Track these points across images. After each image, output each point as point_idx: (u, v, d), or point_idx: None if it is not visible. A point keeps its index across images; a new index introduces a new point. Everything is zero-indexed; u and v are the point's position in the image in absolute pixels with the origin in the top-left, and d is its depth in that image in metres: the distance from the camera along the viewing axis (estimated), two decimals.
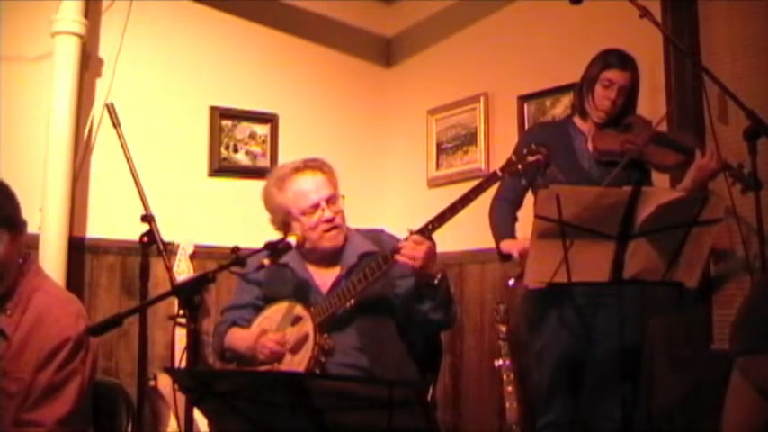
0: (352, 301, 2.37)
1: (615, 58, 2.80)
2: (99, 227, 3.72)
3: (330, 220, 2.48)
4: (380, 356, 2.38)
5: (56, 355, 1.92)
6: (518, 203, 2.94)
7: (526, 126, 3.72)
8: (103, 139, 3.69)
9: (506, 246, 2.81)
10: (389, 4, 4.72)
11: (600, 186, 2.62)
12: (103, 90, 3.74)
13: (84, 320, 2.01)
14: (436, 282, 2.34)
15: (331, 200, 2.50)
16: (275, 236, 2.48)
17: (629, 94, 2.82)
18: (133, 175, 2.36)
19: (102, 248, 3.71)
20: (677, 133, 2.99)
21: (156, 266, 2.44)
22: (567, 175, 2.67)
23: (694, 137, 2.90)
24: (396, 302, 2.48)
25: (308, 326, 2.38)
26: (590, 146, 2.83)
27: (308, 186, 2.50)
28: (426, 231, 2.29)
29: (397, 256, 2.28)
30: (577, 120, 2.93)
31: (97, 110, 3.73)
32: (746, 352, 1.42)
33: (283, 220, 2.55)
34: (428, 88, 4.41)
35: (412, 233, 2.29)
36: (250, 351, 2.43)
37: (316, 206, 2.48)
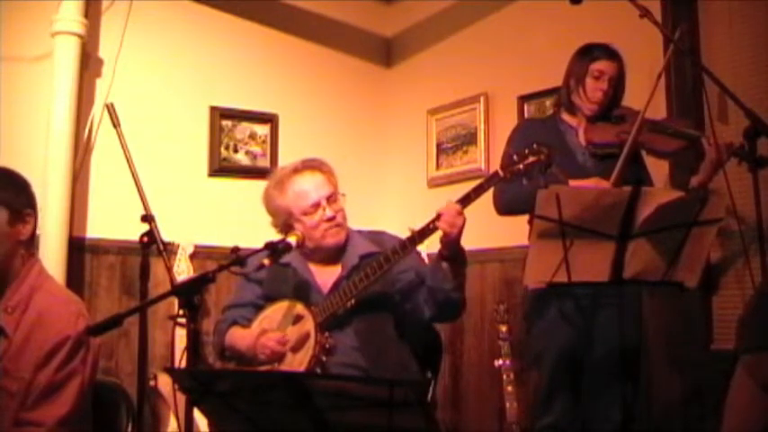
0: (353, 300, 2.37)
1: (602, 51, 2.81)
2: (99, 227, 3.72)
3: (331, 219, 2.49)
4: (380, 356, 2.38)
5: (55, 355, 1.92)
6: None
7: None
8: (103, 139, 3.69)
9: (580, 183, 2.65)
10: (389, 4, 4.72)
11: (596, 178, 2.63)
12: (103, 90, 3.74)
13: (84, 320, 2.01)
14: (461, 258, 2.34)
15: (331, 198, 2.51)
16: (275, 236, 2.48)
17: (617, 85, 2.82)
18: (133, 175, 2.35)
19: (102, 248, 3.71)
20: (672, 119, 2.98)
21: (156, 266, 2.44)
22: (563, 170, 2.65)
23: (689, 122, 2.89)
24: (396, 299, 2.48)
25: (308, 325, 2.38)
26: (582, 139, 2.83)
27: (308, 186, 2.51)
28: (464, 203, 2.28)
29: (438, 222, 2.26)
30: (565, 115, 2.92)
31: (97, 110, 3.73)
32: (752, 349, 1.42)
33: (285, 222, 2.54)
34: (428, 88, 4.41)
35: (458, 201, 2.28)
36: (250, 351, 2.43)
37: (316, 205, 2.49)
